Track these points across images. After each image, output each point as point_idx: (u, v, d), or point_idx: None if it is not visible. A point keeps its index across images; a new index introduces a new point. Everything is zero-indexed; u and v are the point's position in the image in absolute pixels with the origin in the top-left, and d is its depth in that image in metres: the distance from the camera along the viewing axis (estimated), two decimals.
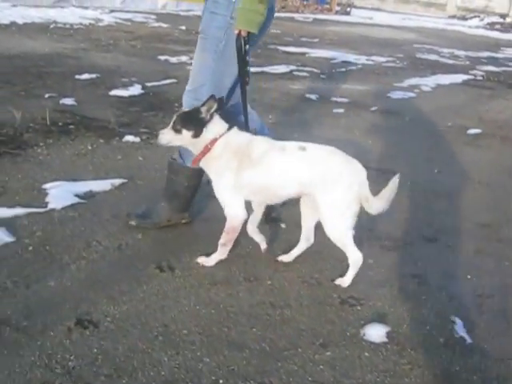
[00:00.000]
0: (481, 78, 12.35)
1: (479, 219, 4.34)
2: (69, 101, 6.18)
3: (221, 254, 3.18)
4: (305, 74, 10.19)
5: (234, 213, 3.09)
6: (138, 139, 5.24)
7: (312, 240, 3.33)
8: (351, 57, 13.23)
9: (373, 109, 7.79)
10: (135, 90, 7.21)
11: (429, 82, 10.77)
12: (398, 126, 7.08)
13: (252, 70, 9.29)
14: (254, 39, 3.26)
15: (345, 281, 3.12)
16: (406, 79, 10.88)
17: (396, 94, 9.11)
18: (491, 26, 29.79)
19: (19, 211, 3.56)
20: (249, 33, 3.12)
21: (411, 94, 9.28)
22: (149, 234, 3.47)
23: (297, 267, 3.29)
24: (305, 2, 26.48)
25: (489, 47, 20.04)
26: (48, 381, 2.20)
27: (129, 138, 5.26)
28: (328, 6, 27.79)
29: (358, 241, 3.55)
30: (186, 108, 3.26)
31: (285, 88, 8.63)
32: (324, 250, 3.49)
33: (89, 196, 3.87)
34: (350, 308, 2.93)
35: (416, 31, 23.24)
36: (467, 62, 15.21)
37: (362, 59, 13.17)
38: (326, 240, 3.18)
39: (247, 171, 3.00)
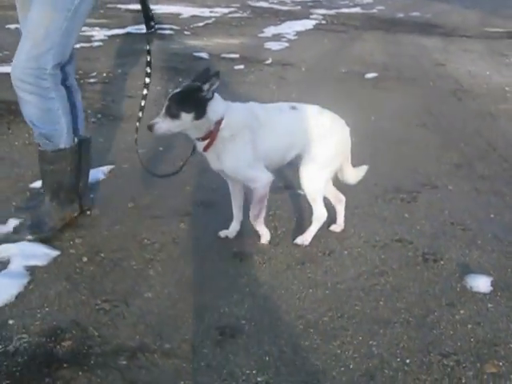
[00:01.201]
0: (325, 22, 12.80)
1: (449, 160, 4.59)
2: None
3: (262, 224, 3.01)
4: (169, 31, 9.87)
5: (262, 183, 2.87)
6: None
7: (343, 198, 3.28)
8: (195, 10, 13.01)
9: (268, 62, 7.79)
10: None
11: (287, 30, 10.96)
12: (303, 78, 7.16)
13: (117, 31, 8.87)
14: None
15: (306, 238, 3.08)
16: (263, 29, 10.98)
17: (272, 45, 9.18)
18: None
19: None
20: None
21: (285, 44, 9.40)
22: (187, 222, 3.23)
23: (354, 233, 3.26)
24: None
25: None
26: None
27: None
28: None
29: (375, 196, 3.64)
30: (19, 81, 2.78)
31: (167, 48, 8.30)
32: (359, 211, 3.50)
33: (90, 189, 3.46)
34: (435, 264, 2.99)
35: None
36: (299, 7, 15.68)
37: (207, 12, 13.02)
38: (354, 202, 3.43)
39: (261, 136, 2.83)
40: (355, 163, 3.56)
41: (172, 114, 2.63)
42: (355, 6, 16.82)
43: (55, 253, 2.83)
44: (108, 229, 3.11)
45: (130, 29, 9.65)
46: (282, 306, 2.54)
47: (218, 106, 2.71)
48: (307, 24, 11.94)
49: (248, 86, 6.41)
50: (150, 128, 2.65)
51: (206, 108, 2.67)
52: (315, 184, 3.01)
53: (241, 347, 2.25)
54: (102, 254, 2.85)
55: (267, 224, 3.15)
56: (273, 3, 16.36)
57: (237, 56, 7.93)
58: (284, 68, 7.49)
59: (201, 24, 10.99)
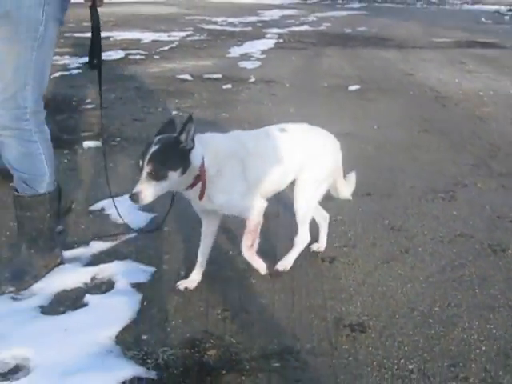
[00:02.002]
0: (282, 40, 13.08)
1: (465, 161, 4.84)
2: None
3: (255, 255, 2.75)
4: (139, 56, 9.90)
5: (255, 212, 2.64)
6: (98, 143, 4.82)
7: (327, 215, 3.14)
8: (153, 35, 13.06)
9: (252, 80, 7.95)
10: None
11: (251, 50, 11.16)
12: (291, 93, 7.35)
13: (86, 59, 8.90)
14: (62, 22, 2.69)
15: (288, 264, 2.91)
16: (228, 49, 11.15)
17: (246, 64, 9.36)
18: None
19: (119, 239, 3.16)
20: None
21: (257, 62, 9.59)
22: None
23: (417, 232, 3.43)
24: None
25: (248, 12, 21.08)
26: None
27: (89, 143, 4.83)
28: None
29: (418, 197, 3.83)
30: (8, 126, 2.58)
31: (146, 72, 8.36)
32: (411, 211, 3.68)
33: None
34: (504, 254, 3.20)
35: (169, 4, 23.34)
36: (250, 28, 15.92)
37: (165, 36, 13.09)
38: (402, 204, 3.58)
39: (251, 165, 2.60)
40: (379, 168, 3.76)
41: (157, 175, 2.29)
42: (302, 24, 17.21)
43: (151, 269, 2.87)
44: (188, 244, 3.15)
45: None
46: (390, 301, 2.66)
47: (197, 150, 2.41)
48: (268, 43, 12.17)
49: (244, 104, 6.54)
50: (135, 199, 2.29)
51: (189, 159, 2.38)
52: (309, 206, 2.88)
53: (376, 341, 2.36)
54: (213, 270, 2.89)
55: (334, 230, 3.27)
56: (223, 25, 16.54)
57: (219, 76, 8.05)
58: (269, 85, 7.66)
59: (166, 48, 11.05)
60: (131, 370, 2.14)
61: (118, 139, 5.06)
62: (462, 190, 4.16)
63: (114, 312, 2.50)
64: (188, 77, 7.94)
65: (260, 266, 2.77)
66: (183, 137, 2.34)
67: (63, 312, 2.53)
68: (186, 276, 2.81)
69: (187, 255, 3.02)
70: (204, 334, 2.39)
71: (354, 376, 2.15)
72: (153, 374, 2.13)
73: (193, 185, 2.46)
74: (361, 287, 2.78)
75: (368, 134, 5.55)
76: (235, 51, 10.83)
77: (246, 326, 2.44)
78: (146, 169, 2.28)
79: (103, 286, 2.72)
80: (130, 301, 2.60)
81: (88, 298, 2.61)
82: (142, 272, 2.84)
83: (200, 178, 2.44)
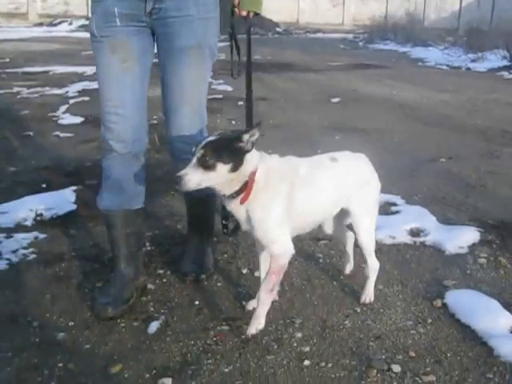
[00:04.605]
0: None
1: (478, 139, 6.96)
2: None
3: (267, 303, 2.64)
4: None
5: (283, 249, 2.55)
6: None
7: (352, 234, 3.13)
8: (88, 69, 13.63)
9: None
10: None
11: None
12: (296, 105, 8.99)
13: (72, 88, 9.75)
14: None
15: (370, 294, 2.98)
16: None
17: (220, 87, 10.81)
18: (85, 28, 31.71)
19: None
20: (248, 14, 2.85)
21: (227, 86, 11.01)
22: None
23: (507, 172, 5.42)
24: None
25: None
26: None
27: None
28: None
29: (483, 156, 5.87)
30: (185, 144, 2.81)
31: None
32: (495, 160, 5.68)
33: None
34: None
35: (51, 41, 23.45)
36: None
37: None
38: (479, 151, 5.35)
39: (301, 194, 2.58)
40: (432, 146, 5.84)
41: (206, 164, 2.30)
42: None
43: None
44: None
45: (75, 87, 10.47)
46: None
47: (253, 157, 2.46)
48: None
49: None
50: (177, 181, 2.30)
51: (243, 160, 2.39)
52: (371, 235, 2.90)
53: None
54: None
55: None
56: None
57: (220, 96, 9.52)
58: (268, 102, 9.20)
59: None
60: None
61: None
62: (495, 152, 6.23)
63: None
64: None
65: (262, 320, 2.66)
66: (245, 137, 2.35)
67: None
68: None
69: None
70: None
71: None
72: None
73: (239, 192, 2.46)
74: None
75: (394, 127, 7.45)
76: None
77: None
78: (198, 154, 2.31)
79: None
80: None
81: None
82: None
83: (248, 184, 2.45)
